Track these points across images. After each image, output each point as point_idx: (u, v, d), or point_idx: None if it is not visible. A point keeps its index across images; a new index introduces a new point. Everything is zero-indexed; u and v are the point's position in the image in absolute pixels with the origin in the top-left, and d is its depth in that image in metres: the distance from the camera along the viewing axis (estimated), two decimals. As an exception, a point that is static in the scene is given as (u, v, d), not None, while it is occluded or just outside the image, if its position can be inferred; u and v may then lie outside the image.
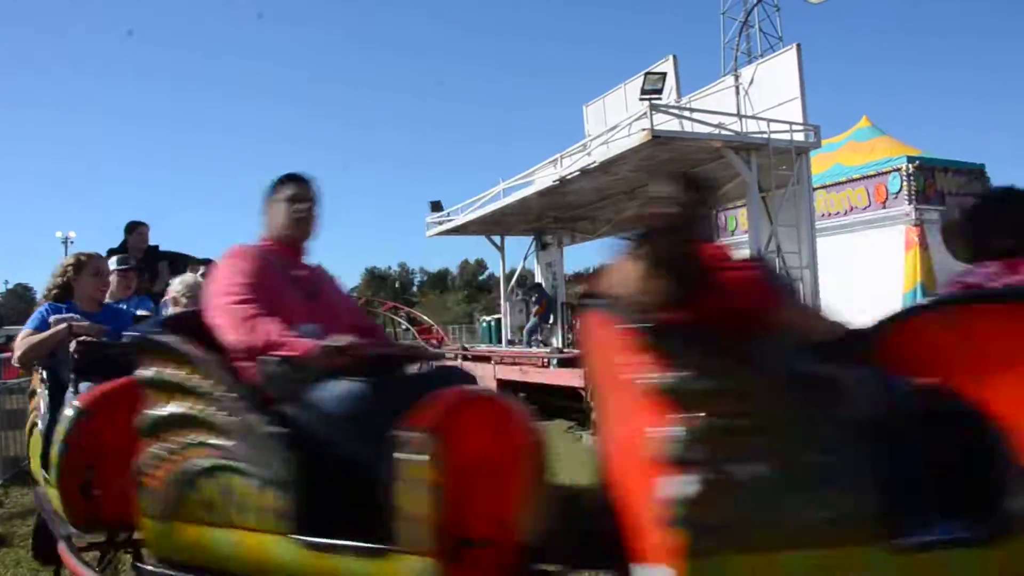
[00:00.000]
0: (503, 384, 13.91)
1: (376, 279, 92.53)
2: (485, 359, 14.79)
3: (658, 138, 10.78)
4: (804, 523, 1.82)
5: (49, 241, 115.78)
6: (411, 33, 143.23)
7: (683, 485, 1.80)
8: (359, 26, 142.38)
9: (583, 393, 11.08)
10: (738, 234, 16.72)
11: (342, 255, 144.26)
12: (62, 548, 3.65)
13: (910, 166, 15.35)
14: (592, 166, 12.32)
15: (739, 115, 12.34)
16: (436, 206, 19.80)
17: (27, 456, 10.04)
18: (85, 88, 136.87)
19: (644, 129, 10.82)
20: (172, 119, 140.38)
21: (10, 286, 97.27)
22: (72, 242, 51.93)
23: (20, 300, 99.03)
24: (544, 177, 14.26)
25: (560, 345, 15.90)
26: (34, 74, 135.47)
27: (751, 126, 12.11)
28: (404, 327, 24.86)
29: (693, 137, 11.79)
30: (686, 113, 12.56)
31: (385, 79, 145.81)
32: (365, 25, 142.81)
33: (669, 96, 13.10)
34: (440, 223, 19.61)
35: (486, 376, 14.26)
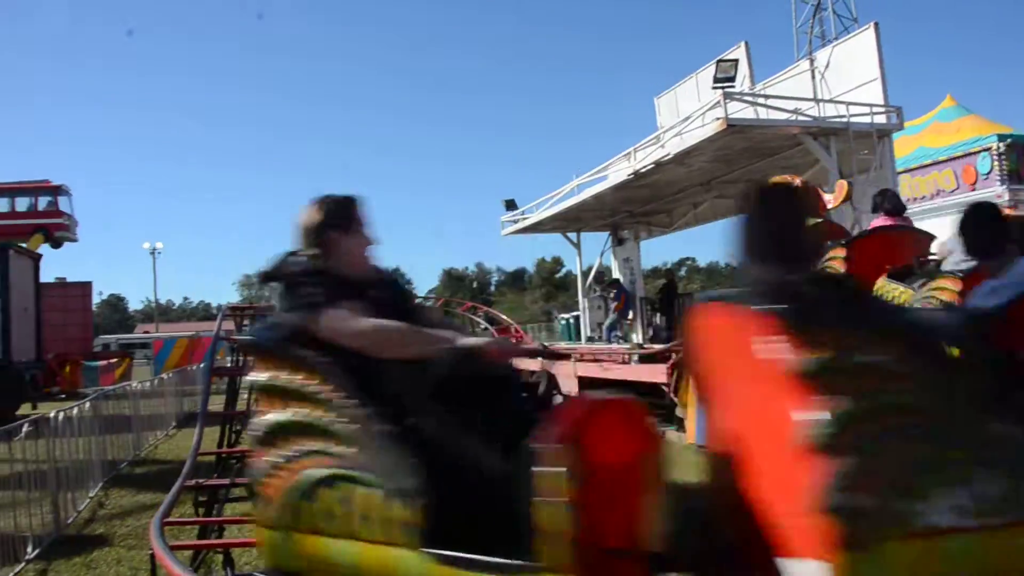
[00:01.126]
0: (584, 381, 13.88)
1: (454, 280, 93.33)
2: (565, 356, 14.77)
3: (733, 127, 10.62)
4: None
5: (137, 253, 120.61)
6: (479, 30, 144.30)
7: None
8: (431, 24, 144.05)
9: (665, 389, 10.99)
10: (819, 222, 16.33)
11: (420, 257, 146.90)
12: (156, 547, 3.80)
13: (1001, 145, 14.74)
14: (666, 158, 12.21)
15: (816, 99, 12.07)
16: (510, 204, 19.90)
17: (129, 460, 10.42)
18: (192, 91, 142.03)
19: (718, 118, 10.67)
20: (252, 121, 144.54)
21: (104, 297, 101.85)
22: (160, 252, 54.08)
23: (114, 310, 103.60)
24: (618, 172, 14.20)
25: (640, 340, 15.77)
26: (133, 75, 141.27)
27: (829, 110, 11.81)
28: (483, 327, 25.02)
29: (769, 124, 11.57)
30: (761, 100, 12.35)
31: (460, 78, 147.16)
32: (437, 23, 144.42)
33: (742, 84, 12.90)
34: (515, 221, 19.69)
35: (567, 373, 14.26)
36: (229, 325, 11.94)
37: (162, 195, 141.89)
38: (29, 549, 5.97)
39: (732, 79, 10.99)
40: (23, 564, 5.76)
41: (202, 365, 13.60)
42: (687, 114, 12.59)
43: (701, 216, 17.13)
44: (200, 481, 5.78)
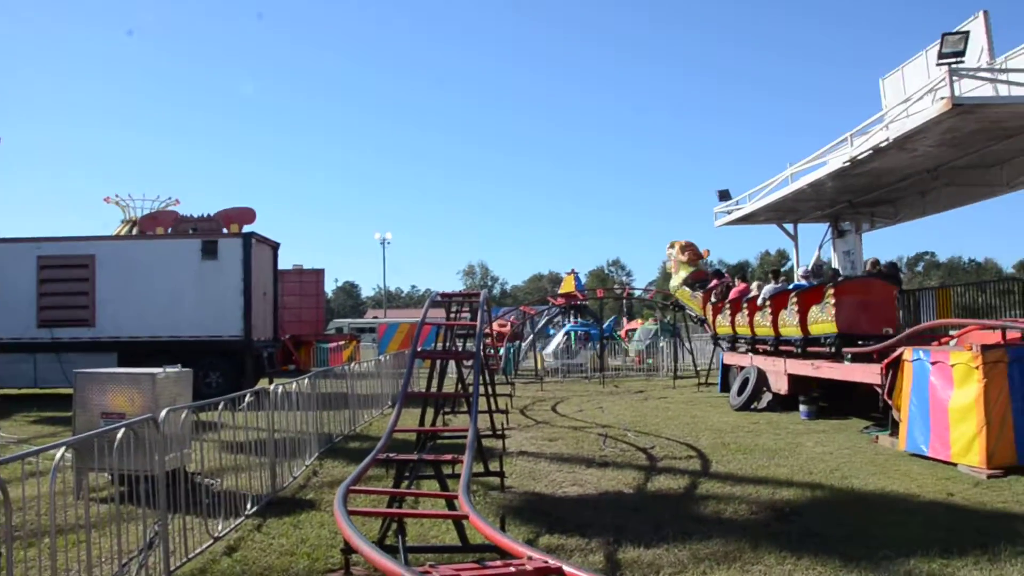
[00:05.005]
0: (794, 379, 13.29)
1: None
2: (777, 353, 14.19)
3: (960, 106, 9.71)
4: None
5: (369, 242, 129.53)
6: (702, 8, 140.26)
7: None
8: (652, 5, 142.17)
9: (878, 390, 10.27)
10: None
11: (640, 247, 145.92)
12: (336, 509, 4.14)
13: None
14: (885, 143, 11.37)
15: (1070, 69, 10.72)
16: (724, 195, 19.33)
17: (344, 434, 11.05)
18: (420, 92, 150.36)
19: (943, 98, 9.80)
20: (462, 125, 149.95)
21: (339, 284, 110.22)
22: (388, 243, 57.49)
23: (348, 296, 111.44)
24: (836, 158, 13.42)
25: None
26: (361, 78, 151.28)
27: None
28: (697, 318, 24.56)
29: (1009, 102, 10.40)
30: (1001, 76, 11.17)
31: (680, 63, 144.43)
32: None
33: (979, 59, 11.71)
34: (728, 212, 19.14)
35: (777, 370, 13.70)
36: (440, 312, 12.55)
37: (393, 189, 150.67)
38: (248, 506, 6.66)
39: (961, 53, 9.95)
40: (242, 518, 6.44)
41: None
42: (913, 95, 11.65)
43: (931, 205, 15.79)
44: (390, 455, 6.17)
